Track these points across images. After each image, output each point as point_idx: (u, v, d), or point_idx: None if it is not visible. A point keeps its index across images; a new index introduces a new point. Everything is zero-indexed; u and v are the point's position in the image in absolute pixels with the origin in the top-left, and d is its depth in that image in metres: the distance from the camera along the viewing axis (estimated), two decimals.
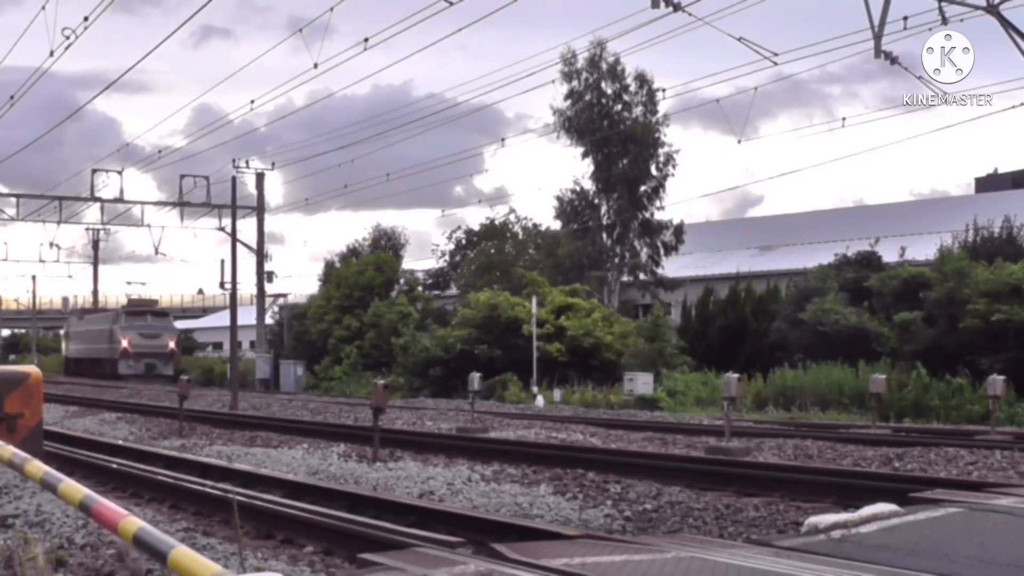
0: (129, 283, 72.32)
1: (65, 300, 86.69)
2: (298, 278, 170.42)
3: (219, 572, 3.02)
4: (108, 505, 3.75)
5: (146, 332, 58.44)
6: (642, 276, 46.07)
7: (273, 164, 41.04)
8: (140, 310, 61.37)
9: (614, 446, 16.67)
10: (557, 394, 32.32)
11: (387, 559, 6.45)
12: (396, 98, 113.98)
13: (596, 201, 46.38)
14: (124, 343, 57.70)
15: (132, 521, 3.52)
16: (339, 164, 57.60)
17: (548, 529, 8.13)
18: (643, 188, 45.49)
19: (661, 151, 45.49)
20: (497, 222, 53.56)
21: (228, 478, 12.32)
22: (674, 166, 45.76)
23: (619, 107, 45.62)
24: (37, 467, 4.35)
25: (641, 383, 30.14)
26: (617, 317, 37.81)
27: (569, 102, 45.29)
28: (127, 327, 58.66)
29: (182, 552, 3.18)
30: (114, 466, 13.45)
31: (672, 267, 46.77)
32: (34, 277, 74.43)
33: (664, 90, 63.23)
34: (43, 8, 20.50)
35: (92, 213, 43.98)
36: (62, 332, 75.98)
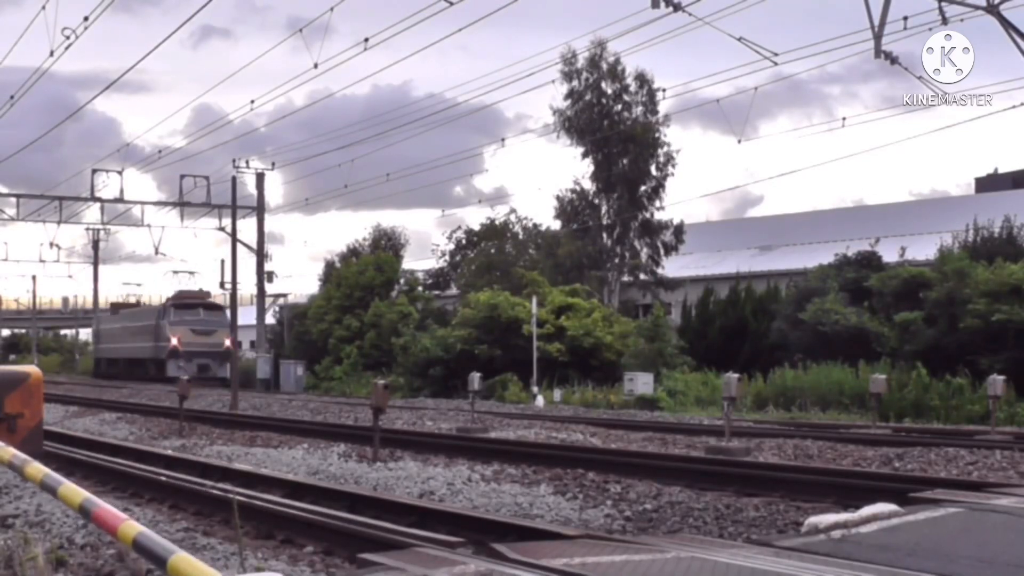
0: (175, 272, 61.57)
1: (65, 300, 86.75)
2: (298, 278, 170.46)
3: None
4: (108, 509, 3.75)
5: (199, 328, 51.49)
6: (642, 276, 46.06)
7: (273, 164, 41.05)
8: (191, 303, 53.68)
9: (614, 446, 16.67)
10: (557, 394, 32.32)
11: (387, 559, 6.46)
12: (396, 98, 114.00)
13: (596, 201, 46.38)
14: (174, 340, 51.17)
15: (132, 525, 3.52)
16: (339, 164, 57.58)
17: (548, 529, 8.13)
18: (643, 188, 45.48)
19: (661, 151, 45.48)
20: (497, 222, 53.57)
21: (228, 478, 12.32)
22: (674, 166, 45.79)
23: (619, 107, 45.61)
24: (37, 469, 4.35)
25: (641, 383, 30.15)
26: (617, 317, 37.81)
27: (569, 102, 45.30)
28: (177, 322, 52.00)
29: (182, 558, 3.17)
30: (114, 466, 13.46)
31: (672, 267, 46.76)
32: (34, 277, 74.48)
33: (664, 90, 63.23)
34: (43, 8, 20.54)
35: (92, 213, 44.05)
36: (91, 330, 68.98)
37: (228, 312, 55.36)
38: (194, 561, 3.15)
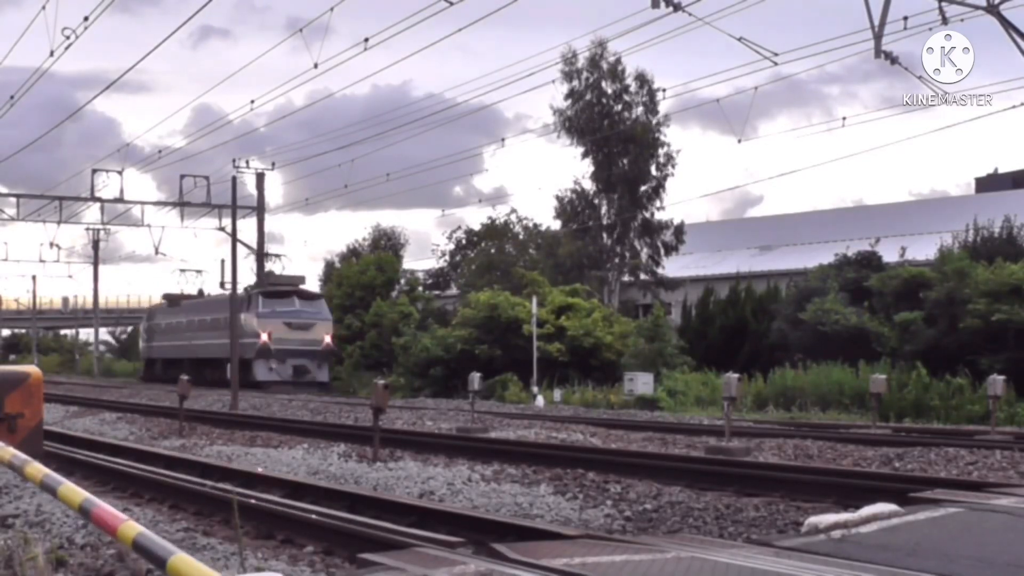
0: (247, 253, 48.30)
1: (65, 300, 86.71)
2: None
3: None
4: (108, 509, 3.75)
5: (294, 321, 42.24)
6: (642, 276, 46.10)
7: (273, 164, 40.89)
8: (283, 290, 43.26)
9: (614, 446, 16.67)
10: (557, 394, 32.32)
11: (387, 559, 6.45)
12: (396, 98, 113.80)
13: (596, 201, 46.43)
14: (264, 336, 41.69)
15: (131, 526, 3.52)
16: (339, 164, 57.42)
17: (548, 529, 8.13)
18: (643, 188, 45.54)
19: (661, 151, 45.56)
20: (497, 222, 53.61)
21: (228, 478, 12.32)
22: (674, 166, 45.88)
23: (619, 107, 45.67)
24: (37, 469, 4.35)
25: (641, 383, 30.15)
26: (617, 317, 37.83)
27: (569, 102, 45.37)
28: (266, 314, 42.10)
29: (181, 559, 3.17)
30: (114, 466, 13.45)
31: (672, 267, 46.79)
32: (34, 277, 74.34)
33: (664, 90, 63.24)
34: (43, 8, 20.54)
35: (92, 213, 43.90)
36: (141, 327, 59.66)
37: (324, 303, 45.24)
38: (194, 562, 3.15)
